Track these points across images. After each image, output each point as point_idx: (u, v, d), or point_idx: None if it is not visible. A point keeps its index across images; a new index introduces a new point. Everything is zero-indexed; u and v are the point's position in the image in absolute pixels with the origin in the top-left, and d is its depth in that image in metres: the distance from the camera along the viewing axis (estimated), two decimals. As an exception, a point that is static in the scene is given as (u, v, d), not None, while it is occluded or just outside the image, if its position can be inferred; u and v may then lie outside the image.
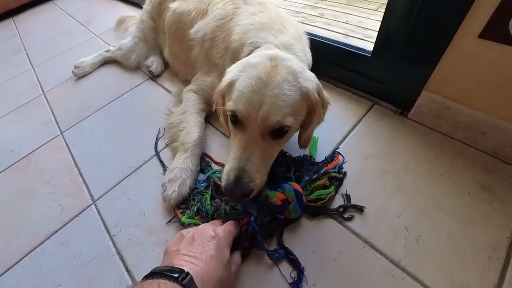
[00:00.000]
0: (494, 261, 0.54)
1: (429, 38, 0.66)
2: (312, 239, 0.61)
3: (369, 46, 0.83)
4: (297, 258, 0.57)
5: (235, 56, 0.72)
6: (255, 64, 0.56)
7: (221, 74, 0.80)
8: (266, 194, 0.58)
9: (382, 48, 0.77)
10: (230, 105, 0.55)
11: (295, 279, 0.54)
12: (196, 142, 0.75)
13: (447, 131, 0.75)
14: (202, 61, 0.89)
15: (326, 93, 0.62)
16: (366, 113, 0.85)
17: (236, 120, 0.56)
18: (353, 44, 0.86)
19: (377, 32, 0.76)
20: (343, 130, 0.82)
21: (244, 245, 0.58)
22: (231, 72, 0.59)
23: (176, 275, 0.40)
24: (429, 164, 0.70)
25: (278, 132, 0.55)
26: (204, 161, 0.77)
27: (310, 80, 0.57)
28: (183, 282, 0.39)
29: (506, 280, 0.52)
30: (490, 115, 0.66)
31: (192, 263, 0.44)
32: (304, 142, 0.66)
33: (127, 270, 0.61)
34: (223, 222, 0.59)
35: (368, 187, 0.68)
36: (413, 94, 0.76)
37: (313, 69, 0.94)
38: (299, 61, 0.61)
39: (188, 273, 0.41)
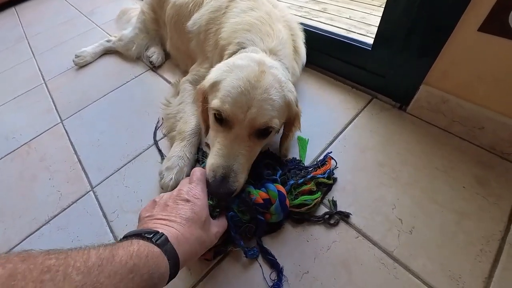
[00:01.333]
0: (486, 253, 0.55)
1: (430, 32, 0.66)
2: (303, 234, 0.61)
3: (370, 40, 0.82)
4: (276, 259, 0.56)
5: (222, 53, 0.74)
6: (242, 66, 0.57)
7: (211, 67, 0.81)
8: (249, 191, 0.57)
9: (383, 41, 0.77)
10: (216, 103, 0.56)
11: (275, 280, 0.53)
12: (194, 131, 0.75)
13: (445, 126, 0.75)
14: (199, 52, 0.90)
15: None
16: (364, 107, 0.85)
17: (221, 118, 0.57)
18: (353, 37, 0.86)
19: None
20: (342, 122, 0.82)
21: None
22: (215, 72, 0.61)
23: (150, 235, 0.39)
24: (426, 158, 0.71)
25: (263, 133, 0.58)
26: (200, 151, 0.77)
27: (292, 91, 0.61)
28: (157, 242, 0.38)
29: (497, 272, 0.52)
30: (489, 110, 0.66)
31: (166, 225, 0.43)
32: (284, 150, 0.71)
33: (124, 255, 0.62)
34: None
35: (364, 179, 0.68)
36: (412, 88, 0.76)
37: (312, 61, 0.95)
38: (284, 68, 0.66)
39: (162, 234, 0.40)
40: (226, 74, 0.58)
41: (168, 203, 0.48)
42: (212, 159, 0.56)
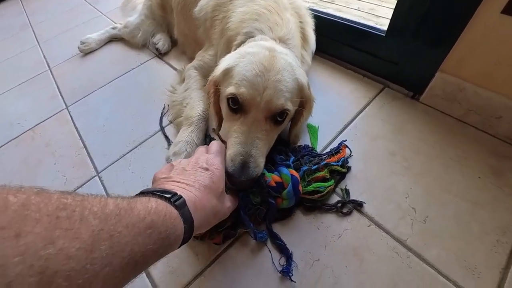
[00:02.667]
0: (502, 244, 0.53)
1: (448, 15, 0.63)
2: (314, 221, 0.59)
3: (383, 27, 0.80)
4: (285, 244, 0.55)
5: (229, 44, 0.72)
6: (254, 53, 0.57)
7: (216, 54, 0.80)
8: (262, 173, 0.56)
9: (398, 26, 0.74)
10: (231, 89, 0.55)
11: (284, 266, 0.53)
12: (201, 116, 0.74)
13: (460, 115, 0.73)
14: (205, 39, 0.89)
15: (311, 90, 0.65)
16: (376, 96, 0.83)
17: (237, 105, 0.55)
18: (366, 23, 0.84)
19: (389, 20, 0.74)
20: (352, 111, 0.80)
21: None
22: (226, 60, 0.60)
23: (168, 195, 0.37)
24: (439, 147, 0.69)
25: (279, 116, 0.57)
26: (208, 137, 0.75)
27: (303, 76, 0.60)
28: (176, 203, 0.36)
29: (514, 263, 0.51)
30: (507, 98, 0.64)
31: (184, 188, 0.41)
32: (294, 137, 0.68)
33: (130, 240, 0.61)
34: None
35: (376, 167, 0.67)
36: (427, 75, 0.74)
37: (322, 49, 0.93)
38: (294, 56, 0.65)
39: (180, 196, 0.38)
40: (238, 60, 0.57)
41: (186, 168, 0.46)
42: (229, 150, 0.54)
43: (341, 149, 0.66)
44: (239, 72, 0.55)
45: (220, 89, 0.61)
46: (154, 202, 0.34)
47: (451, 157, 0.67)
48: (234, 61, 0.57)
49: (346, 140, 0.69)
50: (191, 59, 1.03)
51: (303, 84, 0.59)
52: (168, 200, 0.36)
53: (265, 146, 0.56)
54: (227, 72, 0.58)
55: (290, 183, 0.54)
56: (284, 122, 0.59)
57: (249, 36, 0.67)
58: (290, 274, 0.51)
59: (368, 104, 0.82)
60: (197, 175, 0.44)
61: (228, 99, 0.56)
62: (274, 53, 0.57)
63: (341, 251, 0.55)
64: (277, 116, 0.56)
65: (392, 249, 0.54)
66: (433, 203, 0.60)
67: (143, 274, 0.56)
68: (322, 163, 0.61)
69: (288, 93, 0.55)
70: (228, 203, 0.49)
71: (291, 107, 0.56)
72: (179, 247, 0.37)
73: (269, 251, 0.55)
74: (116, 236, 0.26)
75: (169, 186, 0.41)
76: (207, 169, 0.46)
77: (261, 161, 0.55)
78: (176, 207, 0.36)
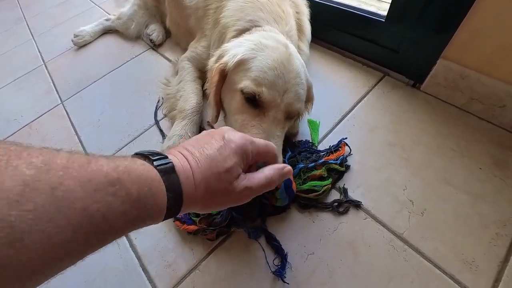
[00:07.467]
0: (502, 237, 0.52)
1: (451, -2, 0.60)
2: (310, 215, 0.59)
3: (384, 12, 0.76)
4: (281, 245, 0.54)
5: (224, 31, 0.69)
6: (272, 47, 0.55)
7: (209, 45, 0.78)
8: None
9: (398, 11, 0.71)
10: (249, 84, 0.52)
11: (278, 266, 0.52)
12: (195, 109, 0.72)
13: (462, 104, 0.70)
14: (198, 29, 0.86)
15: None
16: (375, 84, 0.81)
17: (253, 100, 0.53)
18: (365, 8, 0.80)
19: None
20: (351, 101, 0.77)
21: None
22: (238, 48, 0.56)
23: (155, 157, 0.31)
24: (440, 138, 0.67)
25: (293, 117, 0.58)
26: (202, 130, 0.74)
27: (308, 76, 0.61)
28: (159, 167, 0.30)
29: (514, 256, 0.50)
30: (512, 85, 0.61)
31: (182, 154, 0.34)
32: (291, 129, 0.68)
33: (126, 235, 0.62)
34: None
35: (373, 159, 0.65)
36: (429, 63, 0.70)
37: (319, 36, 0.90)
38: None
39: (170, 162, 0.32)
40: (255, 52, 0.54)
41: (203, 134, 0.40)
42: None
43: (340, 147, 0.64)
44: (259, 67, 0.52)
45: (230, 78, 0.57)
46: (129, 161, 0.28)
47: (452, 147, 0.65)
48: (250, 52, 0.54)
49: (346, 138, 0.67)
50: (185, 50, 1.00)
51: (311, 86, 0.61)
52: (151, 162, 0.31)
53: (282, 143, 0.57)
54: (242, 63, 0.54)
55: (283, 183, 0.52)
56: (293, 119, 0.60)
57: (254, 24, 0.64)
58: (284, 277, 0.50)
59: (367, 93, 0.79)
60: (206, 141, 0.37)
61: (243, 92, 0.53)
62: (289, 50, 0.56)
63: (336, 245, 0.54)
64: (292, 116, 0.57)
65: (388, 242, 0.53)
66: (432, 195, 0.58)
67: (139, 269, 0.56)
68: (320, 161, 0.59)
69: (303, 96, 0.57)
70: (242, 182, 0.37)
71: (304, 108, 0.59)
72: (164, 220, 0.31)
73: (263, 250, 0.54)
74: (61, 190, 0.22)
75: (170, 151, 0.35)
76: (222, 139, 0.37)
77: (281, 158, 0.54)
78: (159, 171, 0.30)
